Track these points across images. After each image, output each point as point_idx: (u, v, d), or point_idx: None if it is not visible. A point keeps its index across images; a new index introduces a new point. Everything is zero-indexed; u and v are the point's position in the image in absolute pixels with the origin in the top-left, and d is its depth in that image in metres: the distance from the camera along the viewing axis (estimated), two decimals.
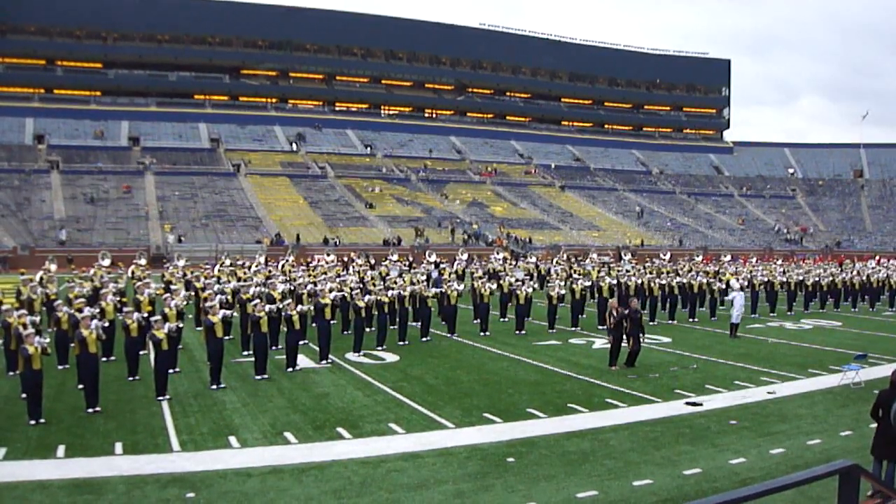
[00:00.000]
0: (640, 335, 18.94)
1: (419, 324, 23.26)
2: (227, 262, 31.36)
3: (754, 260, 44.36)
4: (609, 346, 19.05)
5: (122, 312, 17.97)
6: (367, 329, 21.78)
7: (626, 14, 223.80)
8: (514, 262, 40.60)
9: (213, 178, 72.05)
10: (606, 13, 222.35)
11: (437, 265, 34.70)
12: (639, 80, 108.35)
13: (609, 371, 18.27)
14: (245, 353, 19.81)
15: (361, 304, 20.80)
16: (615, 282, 29.22)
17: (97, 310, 17.43)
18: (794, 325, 27.69)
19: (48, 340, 14.39)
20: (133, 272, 28.90)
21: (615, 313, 19.06)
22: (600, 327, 25.50)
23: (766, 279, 32.15)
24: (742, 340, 23.53)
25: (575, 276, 31.38)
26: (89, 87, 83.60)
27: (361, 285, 24.63)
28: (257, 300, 18.86)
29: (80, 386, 14.71)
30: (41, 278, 25.26)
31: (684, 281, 29.43)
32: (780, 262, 44.43)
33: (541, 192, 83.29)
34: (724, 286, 29.83)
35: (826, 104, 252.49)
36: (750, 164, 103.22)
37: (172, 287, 23.02)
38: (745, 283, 31.49)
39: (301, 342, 19.42)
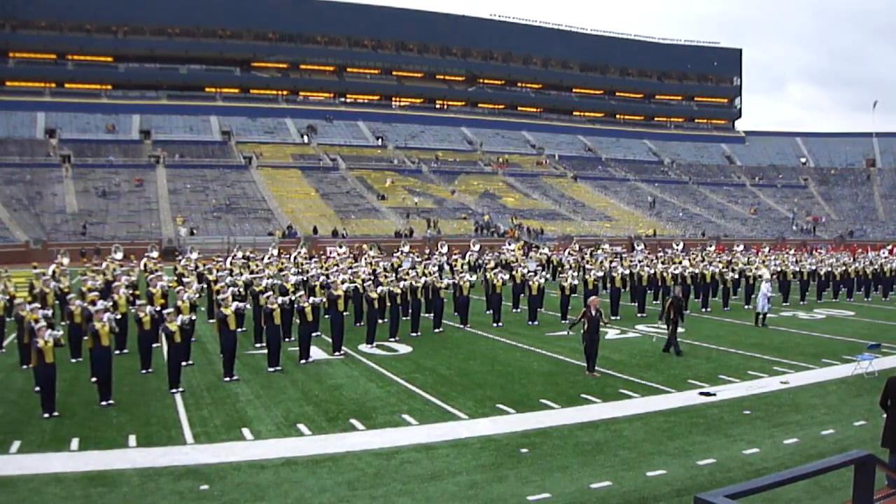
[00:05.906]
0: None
1: (432, 315, 23.26)
2: (240, 254, 31.45)
3: (766, 250, 44.14)
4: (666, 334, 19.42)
5: (135, 305, 18.05)
6: (380, 320, 21.84)
7: (634, 2, 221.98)
8: (525, 253, 40.50)
9: (225, 170, 72.15)
10: (616, 2, 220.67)
11: (447, 254, 34.74)
12: (650, 70, 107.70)
13: (622, 362, 18.23)
14: (258, 345, 19.84)
15: (374, 295, 20.83)
16: (628, 272, 29.16)
17: (110, 303, 17.51)
18: (806, 314, 27.54)
19: (61, 333, 14.45)
20: (145, 265, 29.06)
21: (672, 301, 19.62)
22: (613, 317, 25.48)
23: (778, 269, 32.03)
24: (755, 330, 23.42)
25: (587, 266, 31.31)
26: (100, 81, 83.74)
27: (374, 277, 24.67)
28: (270, 292, 18.88)
29: (94, 379, 14.79)
30: (53, 272, 25.36)
31: (696, 271, 29.38)
32: (792, 251, 44.16)
33: (552, 183, 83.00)
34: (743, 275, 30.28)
35: (815, 91, 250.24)
36: (762, 153, 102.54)
37: (185, 280, 23.13)
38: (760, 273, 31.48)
39: (314, 334, 19.43)
